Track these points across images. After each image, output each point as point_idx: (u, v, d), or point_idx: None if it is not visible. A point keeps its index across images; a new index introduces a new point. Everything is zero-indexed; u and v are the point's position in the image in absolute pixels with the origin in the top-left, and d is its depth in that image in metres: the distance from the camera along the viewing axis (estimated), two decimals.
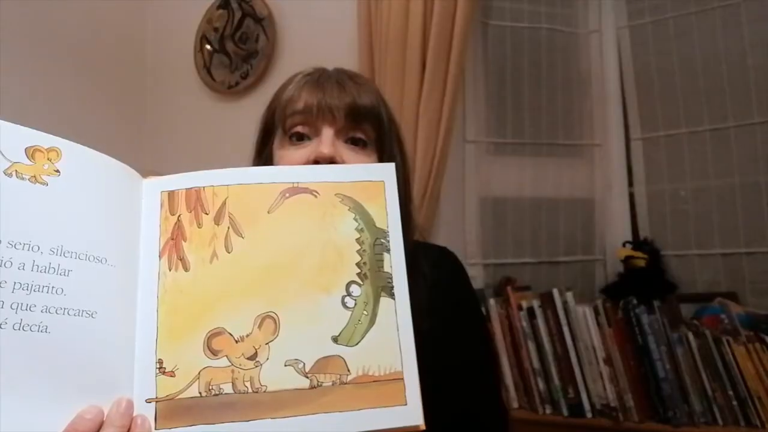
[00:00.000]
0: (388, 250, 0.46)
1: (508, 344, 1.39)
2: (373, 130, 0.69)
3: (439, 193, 1.50)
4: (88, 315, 0.39)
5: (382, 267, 0.45)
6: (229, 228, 0.45)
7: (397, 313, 0.44)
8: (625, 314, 1.30)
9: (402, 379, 0.42)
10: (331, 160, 0.64)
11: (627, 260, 1.59)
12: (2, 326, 0.36)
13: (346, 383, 0.42)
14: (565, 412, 1.30)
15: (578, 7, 1.81)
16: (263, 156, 0.74)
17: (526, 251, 1.75)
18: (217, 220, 0.45)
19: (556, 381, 1.32)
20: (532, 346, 1.35)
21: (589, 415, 1.28)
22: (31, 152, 0.41)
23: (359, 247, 0.45)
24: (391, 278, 0.45)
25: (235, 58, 1.92)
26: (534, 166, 1.78)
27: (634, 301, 1.30)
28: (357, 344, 0.42)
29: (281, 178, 0.47)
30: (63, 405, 0.38)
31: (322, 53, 1.82)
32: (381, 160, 0.69)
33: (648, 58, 1.72)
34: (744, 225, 1.55)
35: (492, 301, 1.43)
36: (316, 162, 0.64)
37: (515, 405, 1.36)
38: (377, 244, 0.46)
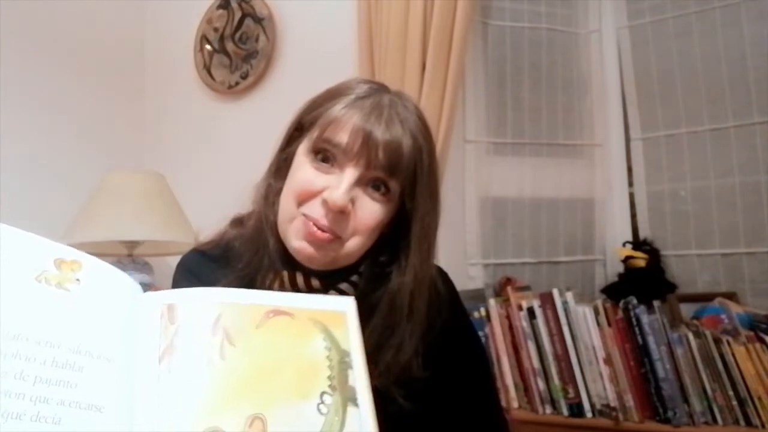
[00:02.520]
0: (352, 368, 0.53)
1: (508, 344, 1.39)
2: (400, 183, 0.64)
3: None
4: (96, 409, 0.43)
5: (347, 381, 0.52)
6: (223, 338, 0.51)
7: (361, 419, 0.51)
8: (625, 314, 1.30)
9: None
10: (341, 210, 0.61)
11: (627, 260, 1.59)
12: (21, 418, 0.39)
13: None
14: (565, 412, 1.30)
15: (578, 7, 1.81)
16: (286, 153, 0.70)
17: (526, 251, 1.76)
18: (213, 332, 0.51)
19: (556, 381, 1.32)
20: (532, 346, 1.35)
21: (589, 415, 1.28)
22: (58, 263, 0.47)
23: (329, 363, 0.52)
24: (355, 391, 0.52)
25: (235, 58, 1.92)
26: (534, 166, 1.78)
27: (634, 301, 1.30)
28: None
29: (266, 302, 0.55)
30: None
31: (322, 53, 1.84)
32: (401, 211, 0.66)
33: (648, 58, 1.72)
34: (744, 225, 1.55)
35: (492, 301, 1.43)
36: (325, 202, 0.62)
37: (515, 405, 1.36)
38: (342, 362, 0.53)
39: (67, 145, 1.83)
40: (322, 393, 0.50)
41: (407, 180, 0.65)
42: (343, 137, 0.63)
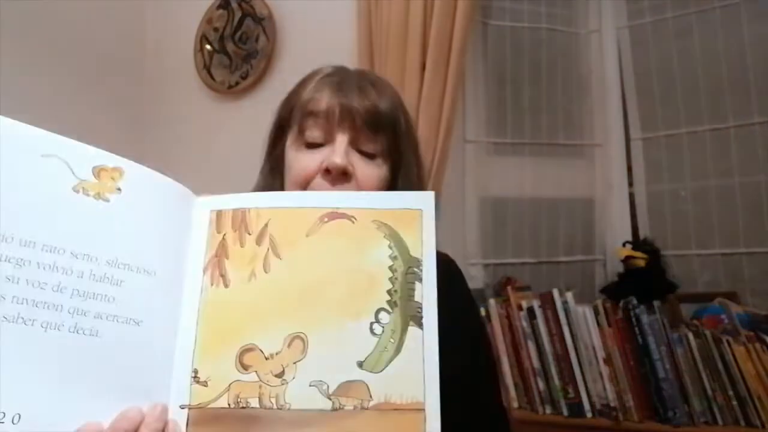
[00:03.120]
0: (420, 280, 0.46)
1: (508, 344, 1.39)
2: (387, 141, 0.67)
3: (439, 193, 1.50)
4: (134, 323, 0.43)
5: (413, 296, 0.45)
6: (268, 249, 0.47)
7: (424, 344, 0.44)
8: (625, 314, 1.30)
9: (423, 410, 0.42)
10: (344, 171, 0.63)
11: (627, 260, 1.59)
12: (60, 328, 0.39)
13: (367, 408, 0.42)
14: (565, 412, 1.30)
15: (578, 7, 1.81)
16: (275, 154, 0.72)
17: (526, 251, 1.75)
18: (259, 241, 0.47)
19: (556, 381, 1.32)
20: (532, 346, 1.35)
21: (589, 415, 1.28)
22: (97, 171, 0.45)
23: (391, 275, 0.46)
24: (421, 308, 0.45)
25: (235, 58, 1.92)
26: (534, 166, 1.78)
27: (634, 301, 1.30)
28: (381, 371, 0.43)
29: (321, 203, 0.48)
30: (107, 403, 0.41)
31: (322, 53, 1.82)
32: (392, 170, 0.68)
33: (648, 58, 1.72)
34: (744, 225, 1.55)
35: (492, 301, 1.43)
36: (327, 170, 0.63)
37: (515, 405, 1.36)
38: (409, 272, 0.46)
39: None
40: (379, 310, 0.45)
41: (390, 137, 0.68)
42: (320, 107, 0.66)
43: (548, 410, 1.32)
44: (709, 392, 1.22)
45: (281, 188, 0.70)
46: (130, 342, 0.42)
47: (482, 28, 1.78)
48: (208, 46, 1.98)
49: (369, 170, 0.66)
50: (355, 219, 0.48)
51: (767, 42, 1.57)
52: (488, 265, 1.73)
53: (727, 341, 1.22)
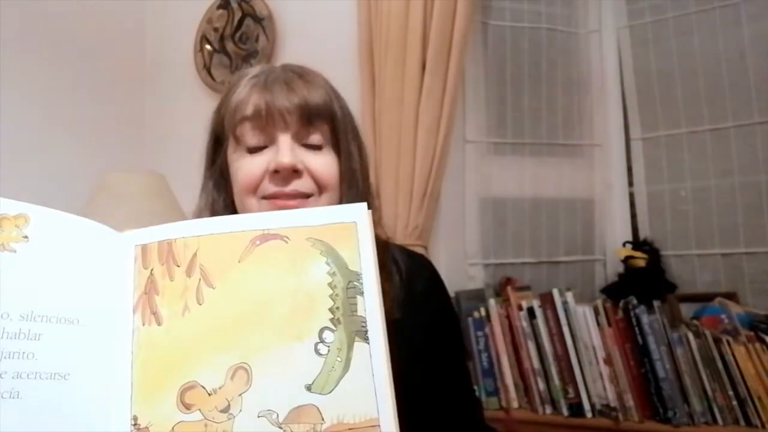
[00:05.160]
0: (362, 293, 0.44)
1: (508, 344, 1.39)
2: (327, 129, 0.66)
3: (439, 193, 1.50)
4: (60, 377, 0.40)
5: (356, 311, 0.44)
6: (200, 280, 0.45)
7: (372, 358, 0.43)
8: (625, 314, 1.30)
9: (378, 426, 0.41)
10: (293, 169, 0.62)
11: (627, 260, 1.59)
12: None
13: None
14: (565, 412, 1.30)
15: (578, 7, 1.81)
16: (216, 165, 0.70)
17: (526, 251, 1.75)
18: (189, 273, 0.45)
19: (556, 381, 1.32)
20: (532, 346, 1.35)
21: (589, 415, 1.28)
22: None
23: (331, 292, 0.44)
24: (366, 322, 0.44)
25: (235, 58, 1.92)
26: (534, 166, 1.78)
27: (634, 301, 1.30)
28: (331, 392, 0.42)
29: (251, 226, 0.47)
30: None
31: (322, 53, 1.83)
32: (339, 158, 0.67)
33: (648, 58, 1.72)
34: (744, 225, 1.55)
35: (492, 301, 1.43)
36: (276, 171, 0.62)
37: (515, 405, 1.36)
38: (350, 287, 0.45)
39: (67, 145, 1.83)
40: (322, 329, 0.43)
41: (328, 127, 0.66)
42: (250, 109, 0.63)
43: (548, 410, 1.32)
44: (709, 392, 1.22)
45: (229, 202, 0.68)
46: (57, 398, 0.39)
47: (482, 28, 1.78)
48: (208, 46, 1.98)
49: (320, 161, 0.64)
50: (288, 239, 0.46)
51: (767, 42, 1.57)
52: (488, 265, 1.73)
53: (727, 341, 1.22)
